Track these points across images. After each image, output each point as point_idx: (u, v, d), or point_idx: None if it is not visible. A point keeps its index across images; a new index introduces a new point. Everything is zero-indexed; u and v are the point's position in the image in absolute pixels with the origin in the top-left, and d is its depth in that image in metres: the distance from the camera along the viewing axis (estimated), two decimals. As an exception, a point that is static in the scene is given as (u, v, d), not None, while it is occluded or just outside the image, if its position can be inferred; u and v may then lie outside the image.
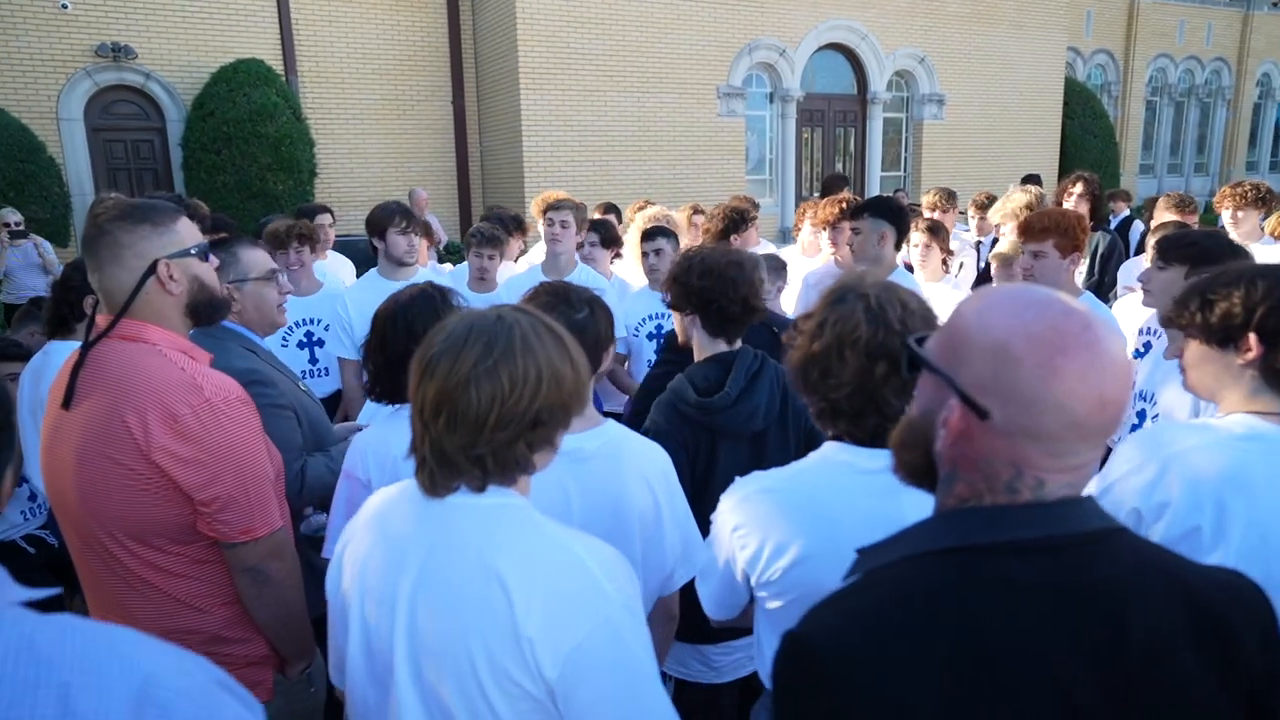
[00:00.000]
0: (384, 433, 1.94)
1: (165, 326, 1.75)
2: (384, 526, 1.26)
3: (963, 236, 5.79)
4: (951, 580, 0.89)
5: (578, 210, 4.20)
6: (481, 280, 4.09)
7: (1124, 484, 1.59)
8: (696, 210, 5.47)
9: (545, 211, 4.11)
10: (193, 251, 1.77)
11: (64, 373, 1.74)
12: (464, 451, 1.14)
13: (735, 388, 2.08)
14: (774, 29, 13.17)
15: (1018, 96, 15.47)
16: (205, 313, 1.84)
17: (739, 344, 2.21)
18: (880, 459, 1.38)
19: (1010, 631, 0.85)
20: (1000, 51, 15.18)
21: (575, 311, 1.79)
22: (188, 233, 1.78)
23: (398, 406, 1.99)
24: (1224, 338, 1.63)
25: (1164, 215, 4.42)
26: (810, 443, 2.19)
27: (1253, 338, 1.59)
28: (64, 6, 10.30)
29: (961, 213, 6.47)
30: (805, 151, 14.61)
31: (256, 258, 2.34)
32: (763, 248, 5.13)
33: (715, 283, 2.12)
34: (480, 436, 1.13)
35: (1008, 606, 0.86)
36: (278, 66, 11.17)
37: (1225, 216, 4.30)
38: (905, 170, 15.43)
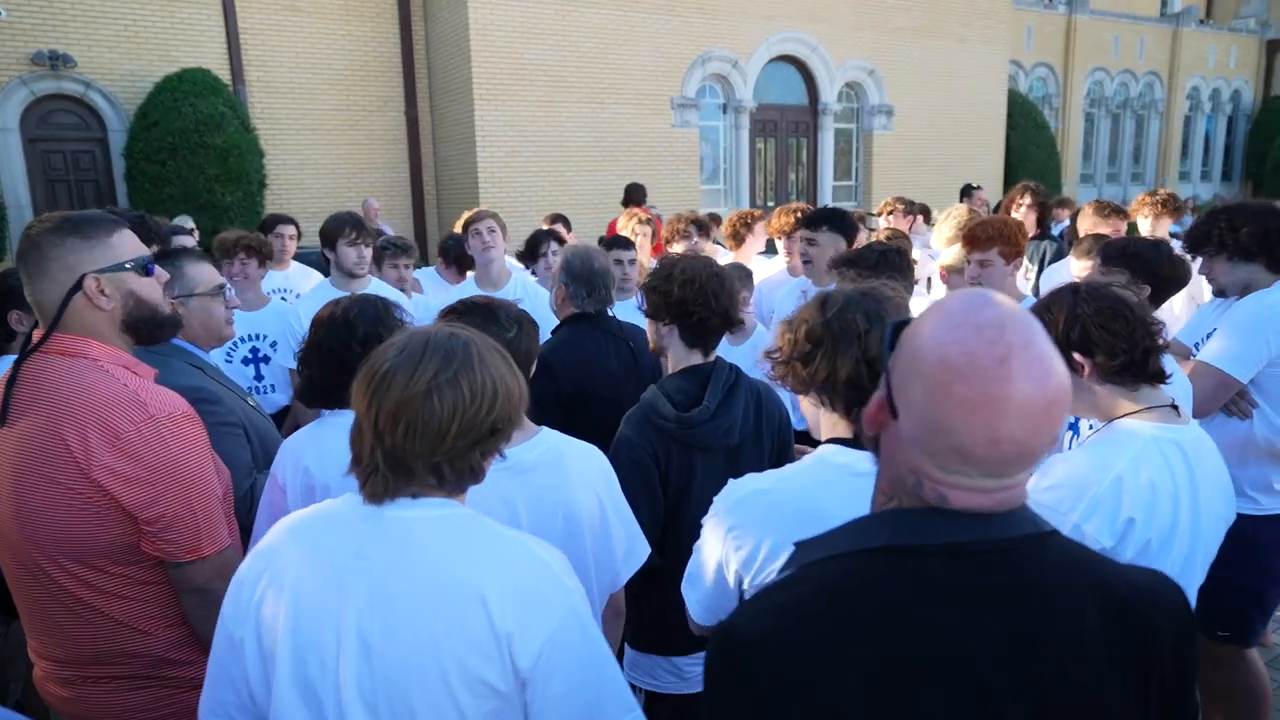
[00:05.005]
0: (303, 438, 1.97)
1: (103, 342, 1.69)
2: (315, 548, 1.23)
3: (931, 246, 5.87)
4: (879, 579, 0.90)
5: (498, 218, 4.27)
6: (401, 291, 4.12)
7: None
8: (641, 221, 5.54)
9: (468, 226, 4.11)
10: (128, 266, 1.70)
11: None
12: (423, 459, 1.18)
13: (714, 401, 2.07)
14: (726, 41, 13.33)
15: (963, 108, 15.88)
16: (146, 330, 1.76)
17: (714, 356, 2.19)
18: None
19: (932, 632, 0.86)
20: (946, 64, 15.58)
21: (506, 330, 1.78)
22: (124, 246, 1.71)
23: (327, 412, 2.02)
24: None
25: (1089, 223, 4.58)
26: (783, 455, 2.22)
27: (1076, 357, 1.68)
28: (-2, 13, 9.99)
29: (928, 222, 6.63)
30: (759, 161, 14.79)
31: (203, 272, 2.32)
32: (720, 256, 5.19)
33: (696, 293, 2.08)
34: (442, 444, 1.17)
35: (932, 607, 0.87)
36: (225, 76, 10.95)
37: (1144, 224, 4.63)
38: (856, 180, 15.72)
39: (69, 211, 1.78)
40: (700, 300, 2.08)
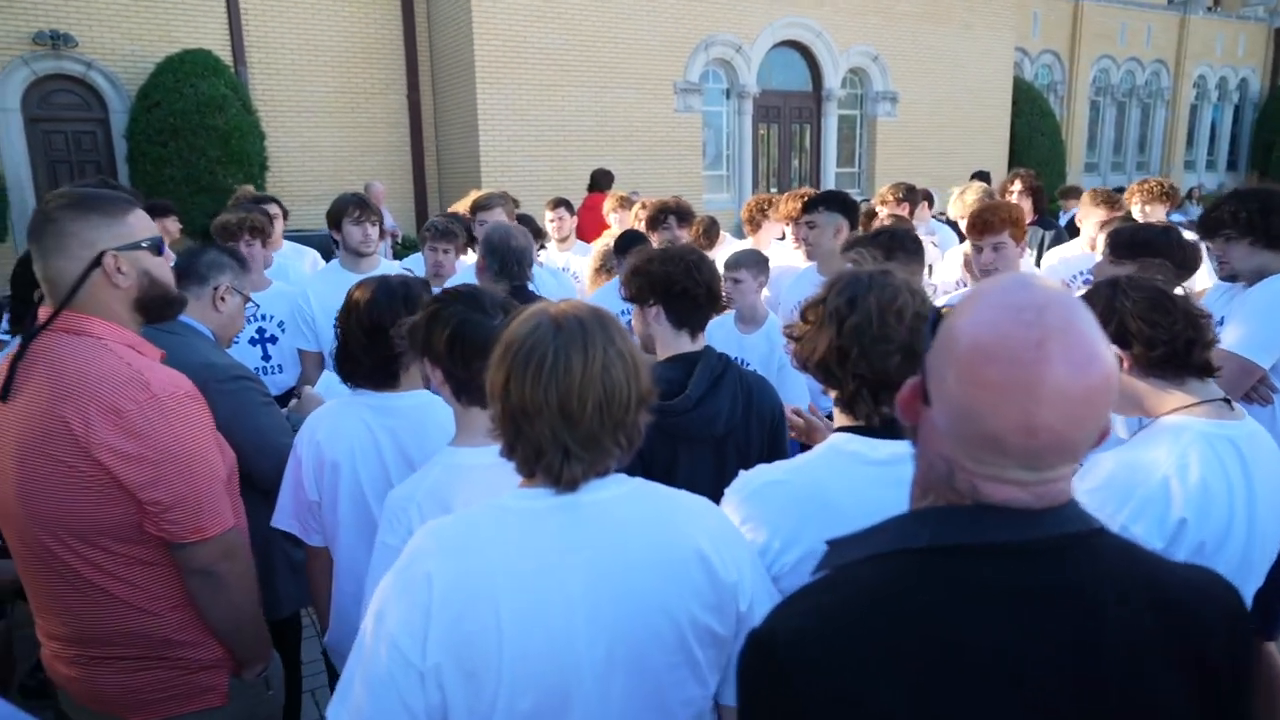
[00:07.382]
0: (322, 415, 2.04)
1: (111, 320, 1.69)
2: (517, 551, 1.18)
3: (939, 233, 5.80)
4: (922, 582, 0.86)
5: (506, 204, 4.30)
6: (437, 275, 4.05)
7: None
8: (622, 200, 5.53)
9: (475, 213, 4.18)
10: (144, 245, 1.72)
11: (3, 366, 1.68)
12: (609, 433, 1.20)
13: (697, 390, 2.03)
14: (730, 25, 13.24)
15: (968, 95, 15.79)
16: (156, 309, 1.78)
17: (702, 341, 2.16)
18: (889, 449, 1.40)
19: (979, 636, 0.83)
20: (951, 51, 15.47)
21: (490, 318, 1.70)
22: (140, 225, 1.73)
23: (357, 390, 2.05)
24: None
25: (1091, 213, 4.50)
26: (775, 449, 2.18)
27: (1114, 350, 1.66)
28: (-2, -8, 9.92)
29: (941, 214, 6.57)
30: (762, 147, 14.72)
31: (249, 279, 2.55)
32: (729, 244, 5.15)
33: (679, 268, 2.07)
34: (626, 415, 1.21)
35: (978, 611, 0.84)
36: (226, 57, 10.87)
37: (1135, 210, 4.55)
38: (860, 167, 15.65)
39: (84, 189, 1.78)
40: (684, 272, 2.07)
